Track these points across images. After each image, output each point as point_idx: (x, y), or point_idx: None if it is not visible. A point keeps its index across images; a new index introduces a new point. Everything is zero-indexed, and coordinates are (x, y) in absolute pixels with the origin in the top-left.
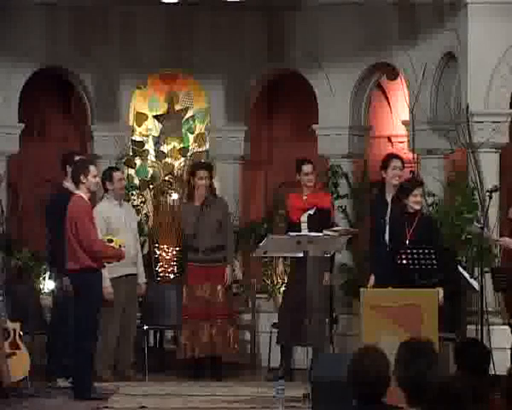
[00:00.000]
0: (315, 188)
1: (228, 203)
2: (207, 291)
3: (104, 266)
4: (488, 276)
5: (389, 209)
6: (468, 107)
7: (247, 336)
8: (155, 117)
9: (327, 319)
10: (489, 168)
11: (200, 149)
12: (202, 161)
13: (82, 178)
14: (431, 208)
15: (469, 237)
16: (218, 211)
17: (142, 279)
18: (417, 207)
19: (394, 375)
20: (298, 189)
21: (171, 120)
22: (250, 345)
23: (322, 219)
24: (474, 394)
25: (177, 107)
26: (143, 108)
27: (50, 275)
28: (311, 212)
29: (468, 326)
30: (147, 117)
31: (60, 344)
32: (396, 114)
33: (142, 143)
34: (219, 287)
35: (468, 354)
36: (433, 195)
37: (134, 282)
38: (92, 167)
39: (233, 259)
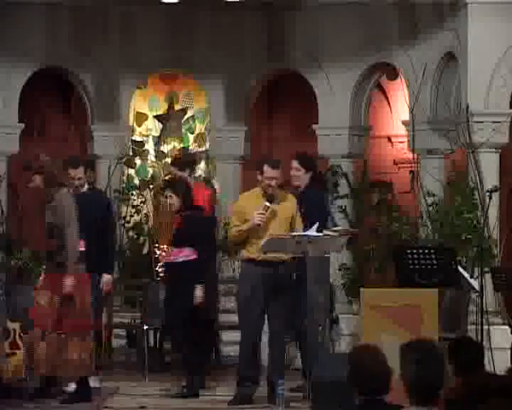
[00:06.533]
0: None
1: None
2: (45, 301)
3: None
4: (488, 276)
5: None
6: (468, 107)
7: None
8: (155, 117)
9: (327, 319)
10: (489, 168)
11: (200, 149)
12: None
13: None
14: (431, 208)
15: (469, 237)
16: (51, 212)
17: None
18: None
19: (400, 375)
20: None
21: (171, 120)
22: None
23: None
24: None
25: (177, 107)
26: (143, 108)
27: None
28: None
29: (468, 326)
30: (147, 117)
31: None
32: (396, 114)
33: (142, 143)
34: (56, 297)
35: (461, 353)
36: (433, 195)
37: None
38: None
39: (73, 267)
